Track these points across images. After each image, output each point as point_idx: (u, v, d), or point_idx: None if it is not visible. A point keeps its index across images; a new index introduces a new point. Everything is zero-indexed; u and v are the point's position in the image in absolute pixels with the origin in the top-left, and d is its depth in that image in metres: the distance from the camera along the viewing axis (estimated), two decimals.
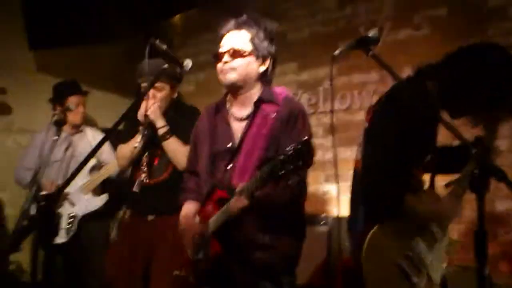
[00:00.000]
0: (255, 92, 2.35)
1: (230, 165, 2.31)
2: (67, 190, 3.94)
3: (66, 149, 4.15)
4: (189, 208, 2.51)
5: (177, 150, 3.02)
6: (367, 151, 2.23)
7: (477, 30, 3.73)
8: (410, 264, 2.19)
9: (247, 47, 2.31)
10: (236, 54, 2.29)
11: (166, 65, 2.28)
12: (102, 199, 4.21)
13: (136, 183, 3.12)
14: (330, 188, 2.66)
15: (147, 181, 3.14)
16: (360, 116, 4.23)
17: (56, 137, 3.41)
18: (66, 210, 4.06)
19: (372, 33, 1.99)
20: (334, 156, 2.08)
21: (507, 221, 3.49)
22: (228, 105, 2.44)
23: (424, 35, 4.04)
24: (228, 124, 2.39)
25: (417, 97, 2.19)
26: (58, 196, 1.88)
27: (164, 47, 2.26)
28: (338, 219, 2.36)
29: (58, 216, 4.01)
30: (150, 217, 3.11)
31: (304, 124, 2.29)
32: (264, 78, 2.38)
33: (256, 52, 2.31)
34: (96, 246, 4.09)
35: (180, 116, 3.16)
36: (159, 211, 3.09)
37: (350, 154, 2.48)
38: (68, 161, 4.14)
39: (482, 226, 1.54)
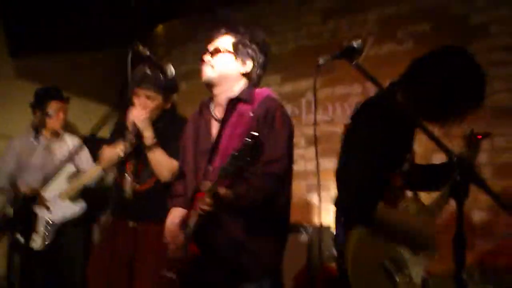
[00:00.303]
0: (234, 92, 2.36)
1: (209, 166, 2.33)
2: (45, 196, 3.92)
3: (45, 155, 4.10)
4: (174, 214, 2.50)
5: (161, 162, 2.99)
6: (341, 161, 2.29)
7: (459, 45, 3.76)
8: (393, 264, 2.25)
9: (228, 47, 2.36)
10: (215, 52, 2.36)
11: (148, 71, 2.26)
12: (80, 206, 4.15)
13: (128, 189, 3.08)
14: (312, 198, 2.65)
15: (132, 188, 3.08)
16: (342, 128, 4.25)
17: (32, 140, 3.36)
18: (43, 216, 3.98)
19: (356, 43, 1.99)
20: (317, 166, 2.06)
21: (485, 231, 3.51)
22: (212, 106, 2.46)
23: (407, 50, 4.08)
24: (208, 125, 2.42)
25: (388, 108, 2.22)
26: (37, 196, 1.85)
27: (147, 52, 2.26)
28: (320, 228, 2.37)
29: (35, 218, 3.91)
30: (132, 224, 3.07)
31: (283, 123, 2.28)
32: (248, 80, 2.39)
33: (236, 53, 2.35)
34: (75, 253, 4.03)
35: (170, 127, 3.11)
36: (140, 218, 3.06)
37: (332, 165, 2.46)
38: (46, 166, 4.08)
39: (461, 231, 1.54)
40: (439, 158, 3.67)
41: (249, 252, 2.23)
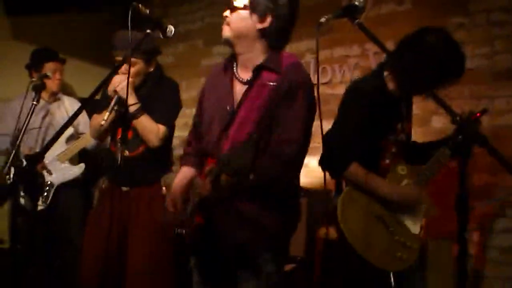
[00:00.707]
0: (258, 55, 2.19)
1: (224, 132, 2.20)
2: (45, 158, 3.93)
3: (44, 117, 4.11)
4: (183, 174, 2.40)
5: (147, 128, 3.01)
6: (330, 129, 2.50)
7: (458, 6, 3.75)
8: (387, 214, 2.50)
9: (244, 1, 2.15)
10: (232, 8, 2.17)
11: (148, 31, 2.22)
12: (79, 168, 4.19)
13: (119, 157, 3.08)
14: (311, 160, 2.67)
15: (122, 155, 3.11)
16: (341, 90, 4.18)
17: (35, 102, 3.34)
18: (43, 178, 4.02)
19: (358, 1, 1.97)
20: (321, 128, 2.08)
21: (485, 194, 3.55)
22: (235, 65, 2.29)
23: (407, 10, 4.04)
24: (231, 85, 2.26)
25: (374, 87, 2.53)
26: (41, 157, 1.84)
27: (147, 11, 2.21)
28: (323, 191, 2.41)
29: (38, 180, 3.97)
30: (125, 189, 3.12)
31: (304, 100, 2.11)
32: (267, 39, 2.17)
33: (252, 8, 2.13)
34: (73, 214, 4.10)
35: (155, 90, 3.11)
36: (133, 183, 3.11)
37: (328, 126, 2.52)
38: (46, 128, 4.10)
39: (464, 189, 1.55)
40: (437, 120, 3.70)
41: (252, 226, 2.17)
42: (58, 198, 4.08)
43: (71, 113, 4.07)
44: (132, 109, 2.98)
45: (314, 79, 4.27)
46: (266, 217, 2.18)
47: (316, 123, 2.19)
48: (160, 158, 3.17)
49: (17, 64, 4.76)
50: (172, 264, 3.17)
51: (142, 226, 3.05)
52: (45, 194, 4.01)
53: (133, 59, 2.97)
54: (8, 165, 3.29)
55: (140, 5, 2.17)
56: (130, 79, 2.89)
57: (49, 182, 4.05)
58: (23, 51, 4.91)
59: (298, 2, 2.24)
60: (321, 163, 2.47)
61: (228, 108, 2.20)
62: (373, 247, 2.44)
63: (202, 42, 5.51)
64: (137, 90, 3.05)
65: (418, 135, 3.50)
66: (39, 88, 3.47)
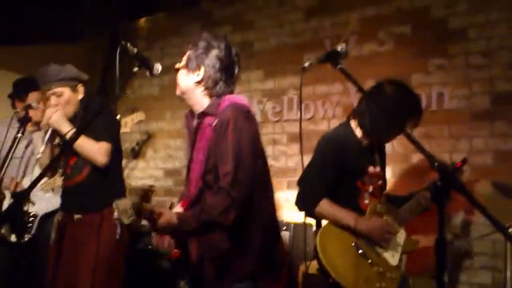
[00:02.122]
0: (202, 103, 2.42)
1: (188, 177, 2.49)
2: (26, 188, 3.89)
3: (27, 146, 4.07)
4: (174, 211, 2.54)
5: (88, 148, 3.00)
6: (303, 172, 2.67)
7: (438, 49, 3.86)
8: (366, 246, 2.59)
9: (183, 62, 2.46)
10: (175, 69, 2.49)
11: (135, 69, 2.27)
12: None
13: (56, 187, 3.18)
14: (293, 195, 2.72)
15: (66, 183, 3.19)
16: (323, 126, 4.32)
17: (20, 135, 3.35)
18: (26, 209, 3.98)
19: (340, 47, 2.07)
20: (302, 163, 2.16)
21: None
22: (193, 117, 2.53)
23: (388, 51, 4.15)
24: (190, 135, 2.53)
25: (342, 135, 2.78)
26: (28, 194, 1.84)
27: (135, 50, 2.27)
28: (304, 225, 2.50)
29: (24, 215, 3.94)
30: (77, 216, 3.12)
31: (233, 129, 2.26)
32: (205, 88, 2.40)
33: (187, 66, 2.42)
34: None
35: (88, 113, 3.14)
36: (83, 210, 3.12)
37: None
38: (28, 158, 4.05)
39: (442, 234, 1.61)
40: (417, 157, 3.77)
41: (222, 260, 2.31)
42: (42, 228, 4.02)
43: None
44: (68, 136, 3.00)
45: (297, 115, 4.41)
46: (236, 251, 2.31)
47: (298, 157, 2.25)
48: (108, 181, 3.15)
49: (0, 93, 4.77)
50: None
51: (90, 253, 3.03)
52: (30, 225, 3.95)
53: (59, 89, 3.07)
54: None
55: (128, 44, 2.23)
56: (61, 109, 3.03)
57: (33, 213, 4.01)
58: (6, 80, 4.93)
59: (232, 52, 2.44)
60: (296, 203, 2.66)
61: (189, 156, 2.51)
62: (354, 278, 2.48)
63: None
64: (71, 119, 3.09)
65: (399, 171, 3.58)
66: (25, 121, 3.47)
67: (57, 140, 3.07)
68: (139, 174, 3.56)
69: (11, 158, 3.28)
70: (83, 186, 3.11)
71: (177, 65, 2.47)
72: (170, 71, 5.49)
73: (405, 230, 2.75)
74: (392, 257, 2.64)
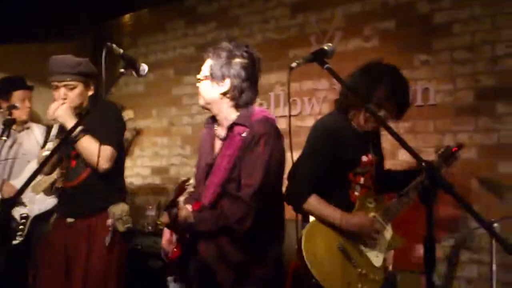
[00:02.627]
0: (229, 113, 2.43)
1: (206, 181, 2.44)
2: (14, 194, 3.87)
3: (11, 146, 4.03)
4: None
5: (91, 151, 2.85)
6: (292, 165, 2.50)
7: (423, 44, 3.88)
8: (350, 247, 2.57)
9: (205, 72, 2.44)
10: (198, 80, 2.47)
11: (122, 70, 2.19)
12: (54, 200, 4.11)
13: (53, 189, 3.06)
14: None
15: (63, 185, 3.08)
16: (310, 122, 4.30)
17: (4, 138, 3.32)
18: (17, 212, 3.96)
19: (327, 46, 2.07)
20: (292, 159, 2.15)
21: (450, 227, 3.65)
22: (215, 125, 2.55)
23: (373, 46, 4.16)
24: (212, 142, 2.53)
25: (337, 122, 2.69)
26: (15, 201, 1.80)
27: (121, 51, 2.23)
28: (296, 221, 2.49)
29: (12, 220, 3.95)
30: (69, 220, 3.04)
31: (265, 147, 2.28)
32: (232, 98, 2.41)
33: (210, 76, 2.41)
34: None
35: (96, 113, 2.95)
36: (77, 214, 3.03)
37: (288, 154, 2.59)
38: (13, 158, 4.02)
39: (431, 233, 1.62)
40: (404, 153, 3.79)
41: (228, 264, 2.31)
42: (34, 229, 4.01)
43: (41, 141, 4.06)
44: (73, 133, 2.84)
45: (284, 111, 4.41)
46: (241, 255, 2.32)
47: (287, 154, 2.26)
48: (107, 184, 3.05)
49: None
50: None
51: (80, 259, 2.97)
52: (21, 227, 3.93)
53: (72, 82, 2.95)
54: None
55: (114, 45, 2.20)
56: (70, 103, 2.91)
57: (24, 215, 4.00)
58: None
59: (255, 60, 2.43)
60: (285, 197, 2.59)
61: (208, 161, 2.47)
62: (336, 278, 2.48)
63: (173, 72, 5.55)
64: (79, 114, 2.97)
65: (387, 167, 3.59)
66: (10, 124, 3.43)
67: (58, 136, 2.92)
68: (126, 172, 3.56)
69: None
70: (80, 189, 3.01)
71: (199, 76, 2.45)
72: (155, 68, 5.55)
73: (392, 227, 2.74)
74: (376, 257, 2.62)
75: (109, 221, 3.03)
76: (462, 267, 3.59)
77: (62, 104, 2.89)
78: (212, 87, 2.41)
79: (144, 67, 2.30)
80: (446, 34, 3.80)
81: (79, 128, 2.85)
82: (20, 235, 3.91)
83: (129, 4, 5.93)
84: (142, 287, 3.29)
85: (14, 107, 3.71)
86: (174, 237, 2.46)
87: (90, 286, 2.95)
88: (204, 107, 2.49)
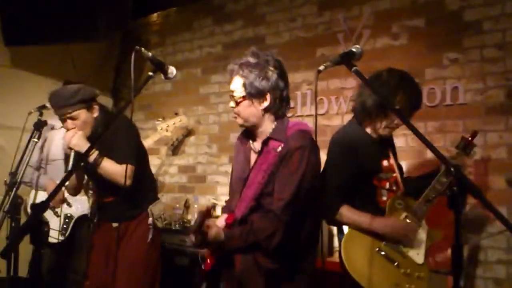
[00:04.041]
0: (268, 126, 2.40)
1: (240, 194, 2.44)
2: (65, 192, 4.04)
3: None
4: (221, 219, 2.55)
5: (112, 173, 3.03)
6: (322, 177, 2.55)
7: (453, 42, 3.82)
8: (390, 249, 2.57)
9: (241, 93, 2.36)
10: (235, 101, 2.39)
11: (150, 73, 2.21)
12: None
13: (92, 205, 3.27)
14: None
15: (99, 200, 3.26)
16: (337, 121, 4.31)
17: (36, 140, 3.41)
18: (63, 211, 4.13)
19: (355, 48, 2.06)
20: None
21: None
22: (251, 139, 2.53)
23: (402, 45, 4.12)
24: (247, 155, 2.51)
25: (353, 133, 2.71)
26: (46, 206, 1.84)
27: (149, 54, 2.23)
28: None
29: (47, 222, 4.12)
30: (115, 224, 3.22)
31: (299, 164, 2.25)
32: (273, 111, 2.40)
33: (249, 95, 2.35)
34: (83, 245, 4.10)
35: (111, 132, 3.08)
36: (119, 219, 3.19)
37: (324, 158, 2.58)
38: (62, 159, 4.14)
39: (459, 240, 1.61)
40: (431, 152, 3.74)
41: (261, 273, 2.30)
42: (77, 229, 4.18)
43: None
44: (91, 158, 3.00)
45: (311, 110, 4.39)
46: (276, 273, 2.31)
47: None
48: (140, 190, 3.22)
49: (17, 92, 4.81)
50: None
51: (126, 256, 3.14)
52: (64, 226, 4.08)
53: (74, 113, 3.03)
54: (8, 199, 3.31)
55: (142, 49, 2.21)
56: (80, 131, 3.01)
57: (69, 215, 4.12)
58: (23, 79, 4.98)
59: (283, 65, 2.41)
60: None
61: (243, 175, 2.46)
62: (382, 282, 2.48)
63: (200, 71, 5.58)
64: (90, 138, 3.07)
65: (415, 166, 3.57)
66: (40, 126, 3.51)
67: (77, 164, 3.04)
68: (153, 170, 3.62)
69: (27, 163, 3.38)
70: (117, 202, 3.17)
71: (236, 97, 2.37)
72: (183, 67, 5.58)
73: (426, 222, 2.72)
74: (418, 255, 2.62)
75: (150, 220, 3.23)
76: (490, 268, 3.54)
77: (74, 134, 2.99)
78: (252, 106, 2.36)
79: (172, 70, 2.31)
80: (476, 31, 3.74)
81: (96, 153, 3.01)
82: (63, 234, 4.04)
83: (156, 3, 5.98)
84: (168, 284, 3.34)
85: (45, 107, 3.75)
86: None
87: (134, 281, 3.14)
88: (242, 127, 2.46)
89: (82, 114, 3.06)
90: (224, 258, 2.37)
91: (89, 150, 2.87)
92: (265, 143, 2.39)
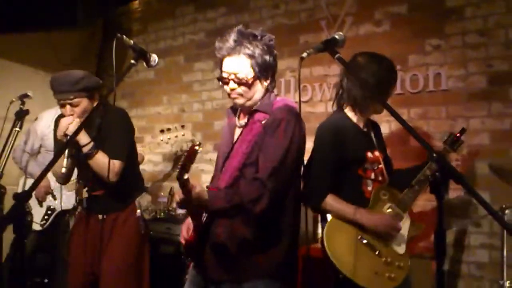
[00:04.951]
0: (256, 101, 2.40)
1: (223, 167, 2.42)
2: (52, 184, 4.08)
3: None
4: None
5: (102, 165, 2.94)
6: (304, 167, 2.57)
7: (435, 28, 3.84)
8: (371, 238, 2.59)
9: (250, 73, 2.32)
10: (240, 82, 2.33)
11: (132, 61, 2.18)
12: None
13: (83, 198, 3.18)
14: None
15: (89, 194, 3.19)
16: (321, 108, 4.32)
17: (18, 129, 3.37)
18: (46, 203, 4.13)
19: (338, 35, 2.06)
20: None
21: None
22: (237, 114, 2.53)
23: (385, 31, 4.12)
24: (232, 131, 2.50)
25: (338, 122, 2.71)
26: (29, 196, 1.82)
27: (131, 42, 2.21)
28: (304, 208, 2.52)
29: (31, 213, 4.14)
30: (101, 216, 3.16)
31: (285, 134, 2.25)
32: (268, 90, 2.42)
33: (259, 75, 2.33)
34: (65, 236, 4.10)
35: (108, 124, 3.08)
36: (106, 211, 3.15)
37: (310, 144, 2.58)
38: (52, 150, 4.13)
39: (441, 224, 1.63)
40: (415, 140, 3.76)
41: (241, 246, 2.28)
42: (59, 221, 4.20)
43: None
44: (85, 149, 2.94)
45: (295, 98, 4.40)
46: (259, 245, 2.30)
47: None
48: (129, 184, 3.20)
49: (1, 81, 4.75)
50: (147, 279, 3.28)
51: (116, 248, 3.11)
52: (45, 217, 4.05)
53: (76, 100, 2.98)
54: None
55: (124, 37, 2.18)
56: (78, 119, 2.95)
57: (52, 207, 4.10)
58: (4, 68, 4.91)
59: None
60: (302, 198, 2.58)
61: (227, 149, 2.45)
62: (362, 270, 2.49)
63: (183, 58, 5.54)
64: (86, 127, 3.01)
65: (398, 154, 3.59)
66: (22, 115, 3.46)
67: (72, 151, 3.01)
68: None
69: (9, 152, 3.37)
70: (105, 196, 3.13)
71: (241, 78, 2.31)
72: (165, 54, 5.53)
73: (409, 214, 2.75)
74: (399, 246, 2.64)
75: (138, 212, 3.23)
76: (473, 252, 3.59)
77: (72, 121, 2.93)
78: (258, 84, 2.36)
79: (155, 58, 2.29)
80: (458, 18, 3.76)
81: (92, 144, 2.95)
82: (42, 225, 4.02)
83: None
84: (154, 272, 3.34)
85: (26, 96, 3.70)
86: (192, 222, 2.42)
87: (123, 271, 3.11)
88: (242, 107, 2.43)
89: (83, 102, 3.01)
90: (205, 232, 2.34)
91: (84, 140, 2.90)
92: (251, 115, 2.38)
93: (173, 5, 5.65)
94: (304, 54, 2.05)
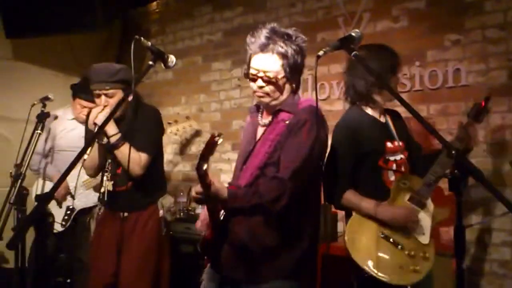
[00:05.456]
0: (282, 101, 2.36)
1: (244, 166, 2.40)
2: (70, 184, 4.06)
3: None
4: None
5: (127, 157, 2.87)
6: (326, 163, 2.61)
7: (454, 23, 3.79)
8: (393, 232, 2.57)
9: (280, 73, 2.28)
10: (269, 80, 2.28)
11: (150, 62, 2.18)
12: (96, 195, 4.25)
13: (103, 192, 3.15)
14: None
15: (113, 189, 3.18)
16: (339, 106, 4.30)
17: (39, 132, 3.42)
18: (66, 203, 4.16)
19: (355, 33, 2.05)
20: None
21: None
22: (260, 112, 2.50)
23: (403, 27, 4.09)
24: (255, 130, 2.47)
25: (355, 116, 2.75)
26: (51, 197, 1.82)
27: (149, 43, 2.21)
28: (325, 206, 2.50)
29: (51, 213, 4.14)
30: (122, 214, 3.16)
31: (310, 131, 2.20)
32: (294, 90, 2.38)
33: (289, 76, 2.30)
34: (86, 236, 4.13)
35: (139, 119, 3.12)
36: (130, 209, 3.16)
37: (329, 142, 2.57)
38: (72, 150, 4.16)
39: (461, 221, 1.61)
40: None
41: (260, 246, 2.25)
42: (78, 221, 4.20)
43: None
44: (112, 140, 2.97)
45: (312, 96, 4.37)
46: (278, 246, 2.26)
47: None
48: (154, 183, 3.24)
49: (19, 84, 4.82)
50: (166, 280, 3.30)
51: (138, 247, 3.14)
52: (66, 217, 4.10)
53: (111, 91, 3.01)
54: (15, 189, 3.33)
55: (142, 38, 2.18)
56: (107, 109, 2.96)
57: (71, 206, 4.15)
58: (24, 71, 4.98)
59: None
60: (324, 196, 2.60)
61: (249, 147, 2.42)
62: (387, 266, 2.48)
63: (201, 59, 5.56)
64: (118, 120, 3.05)
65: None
66: (43, 117, 3.51)
67: (104, 140, 3.03)
68: None
69: (31, 155, 3.41)
70: (129, 192, 3.12)
71: (271, 77, 2.26)
72: (183, 55, 5.56)
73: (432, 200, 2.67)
74: (423, 235, 2.59)
75: (161, 212, 3.26)
76: (495, 250, 3.54)
77: (103, 110, 2.96)
78: (287, 85, 2.33)
79: (172, 59, 2.28)
80: (478, 12, 3.71)
81: (119, 135, 2.98)
82: (63, 225, 4.07)
83: None
84: (174, 272, 3.36)
85: (48, 98, 3.74)
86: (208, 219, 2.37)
87: (145, 269, 3.14)
88: (267, 106, 2.38)
89: (118, 94, 3.03)
90: (223, 230, 2.30)
91: (112, 130, 2.93)
92: (275, 114, 2.35)
93: (190, 6, 5.67)
94: (321, 52, 2.04)
